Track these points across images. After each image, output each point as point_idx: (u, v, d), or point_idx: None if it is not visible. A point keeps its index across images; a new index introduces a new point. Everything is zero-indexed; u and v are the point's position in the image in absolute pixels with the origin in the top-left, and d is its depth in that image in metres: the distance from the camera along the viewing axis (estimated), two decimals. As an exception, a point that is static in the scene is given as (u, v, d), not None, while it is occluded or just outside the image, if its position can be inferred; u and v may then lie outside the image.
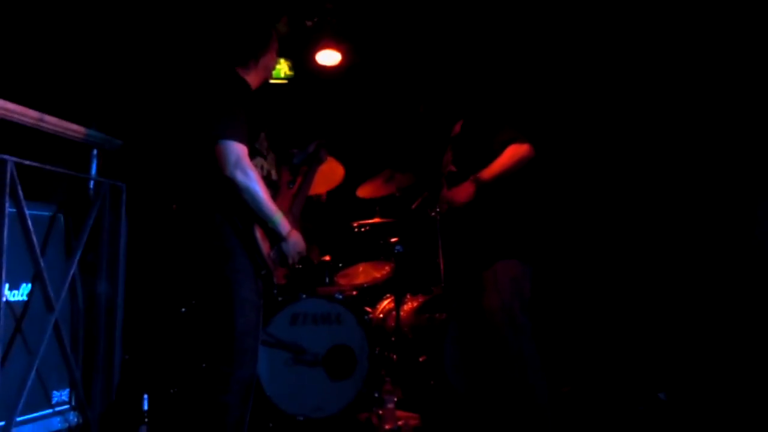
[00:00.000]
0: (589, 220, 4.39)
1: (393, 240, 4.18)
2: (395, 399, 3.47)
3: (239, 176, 2.30)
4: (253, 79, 2.64)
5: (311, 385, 3.49)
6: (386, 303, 4.36)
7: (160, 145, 3.54)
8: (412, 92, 4.85)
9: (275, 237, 2.46)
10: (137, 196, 3.36)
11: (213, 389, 2.35)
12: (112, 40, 3.62)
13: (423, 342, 3.89)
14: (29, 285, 2.81)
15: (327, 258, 4.23)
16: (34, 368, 2.71)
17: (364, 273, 4.54)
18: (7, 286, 2.64)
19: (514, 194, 3.07)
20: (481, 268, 3.03)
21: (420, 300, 4.13)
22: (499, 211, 3.04)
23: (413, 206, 4.25)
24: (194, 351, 3.20)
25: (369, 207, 4.59)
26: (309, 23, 4.57)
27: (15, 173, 2.62)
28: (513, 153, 2.98)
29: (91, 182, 3.15)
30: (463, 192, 3.00)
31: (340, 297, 3.75)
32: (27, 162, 2.70)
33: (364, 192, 4.42)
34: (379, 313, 4.31)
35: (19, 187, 2.65)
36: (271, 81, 4.80)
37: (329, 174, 3.98)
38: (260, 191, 2.34)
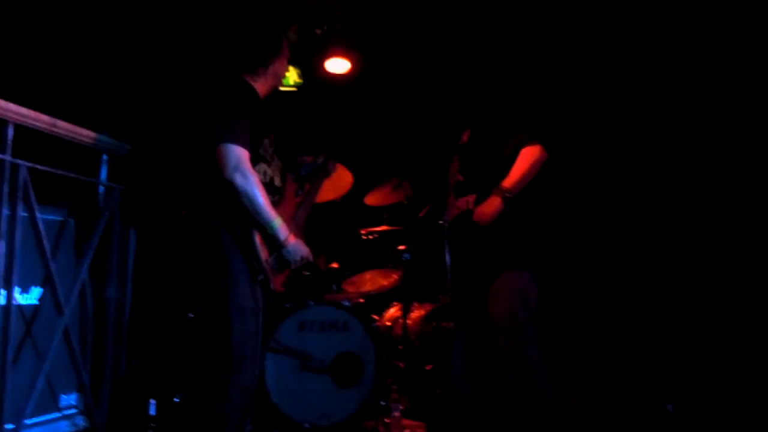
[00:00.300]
0: (595, 229, 4.38)
1: (401, 248, 4.19)
2: (402, 407, 3.46)
3: (238, 179, 2.29)
4: (261, 86, 2.64)
5: (318, 392, 3.49)
6: (393, 311, 4.36)
7: (163, 150, 3.54)
8: (420, 100, 4.88)
9: (274, 243, 2.44)
10: (142, 201, 3.37)
11: (211, 397, 2.34)
12: (122, 45, 3.64)
13: (430, 350, 3.88)
14: (40, 289, 2.83)
15: (335, 265, 4.24)
16: (44, 372, 2.72)
17: (372, 281, 4.54)
18: (18, 289, 2.66)
19: (520, 203, 3.06)
20: (488, 276, 3.02)
21: (427, 308, 4.12)
22: (506, 220, 3.03)
23: (421, 214, 4.25)
24: (197, 357, 3.20)
25: (377, 215, 4.59)
26: (318, 31, 4.58)
27: (28, 178, 2.64)
28: (529, 156, 2.96)
29: (101, 187, 3.17)
30: (491, 206, 2.94)
31: (348, 304, 3.75)
32: (40, 166, 2.72)
33: (372, 200, 4.42)
34: (386, 321, 4.30)
35: (32, 192, 2.67)
36: (281, 89, 4.86)
37: (337, 181, 3.98)
38: (259, 195, 2.33)
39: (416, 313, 4.15)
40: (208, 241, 2.40)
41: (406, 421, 3.50)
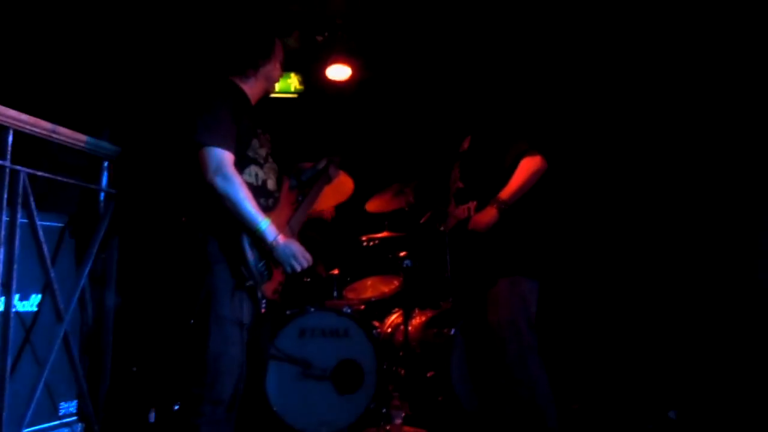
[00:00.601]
0: (596, 235, 4.37)
1: (401, 254, 4.17)
2: (403, 414, 3.45)
3: (219, 182, 2.26)
4: (252, 88, 2.62)
5: (319, 399, 3.48)
6: (394, 317, 4.35)
7: (151, 155, 3.51)
8: (421, 107, 4.89)
9: (263, 247, 2.37)
10: (131, 207, 3.34)
11: (185, 411, 2.32)
12: (120, 52, 3.64)
13: (431, 357, 3.86)
14: (39, 296, 2.82)
15: (335, 272, 4.23)
16: (43, 379, 2.71)
17: (373, 287, 4.53)
18: (17, 296, 2.65)
19: (520, 210, 3.06)
20: (488, 284, 3.02)
21: (428, 315, 4.11)
22: (506, 228, 3.03)
23: (422, 221, 4.25)
24: (178, 368, 3.18)
25: (378, 221, 4.59)
26: (319, 38, 4.60)
27: (28, 184, 2.64)
28: (528, 167, 2.97)
29: (102, 194, 3.17)
30: (486, 216, 2.97)
31: (349, 311, 3.74)
32: (40, 173, 2.72)
33: (373, 206, 4.42)
34: (387, 328, 4.29)
35: (32, 198, 2.67)
36: (282, 96, 4.87)
37: (338, 188, 3.98)
38: (242, 198, 2.28)
39: (417, 320, 4.14)
40: (192, 247, 2.36)
41: (407, 428, 3.48)
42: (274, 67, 2.68)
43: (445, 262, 3.91)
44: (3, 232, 2.51)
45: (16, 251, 2.57)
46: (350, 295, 4.41)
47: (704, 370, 3.71)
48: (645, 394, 3.88)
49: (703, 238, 3.79)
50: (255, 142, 2.53)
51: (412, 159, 4.88)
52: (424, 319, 4.10)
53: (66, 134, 2.88)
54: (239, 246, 2.33)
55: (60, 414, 2.92)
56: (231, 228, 2.33)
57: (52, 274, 2.80)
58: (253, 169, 2.49)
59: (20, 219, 2.61)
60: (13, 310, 2.58)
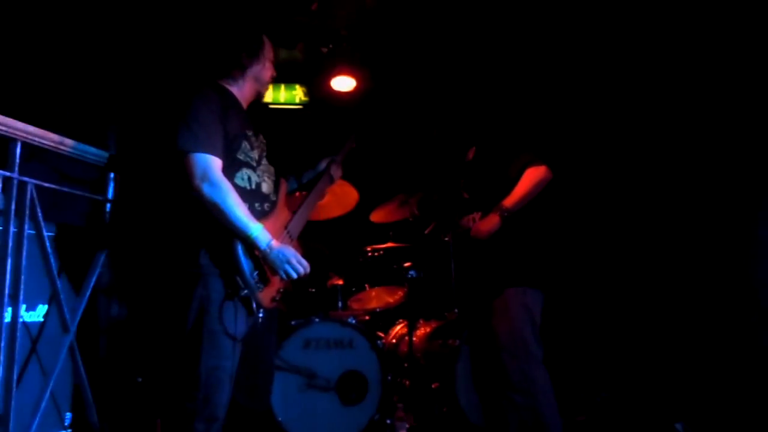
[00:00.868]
0: (601, 245, 4.36)
1: (406, 265, 4.18)
2: (407, 426, 3.45)
3: (205, 188, 2.20)
4: (242, 91, 2.56)
5: (323, 410, 3.48)
6: (399, 328, 4.35)
7: (142, 164, 3.49)
8: (425, 118, 4.90)
9: (256, 254, 2.29)
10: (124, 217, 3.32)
11: (176, 423, 2.25)
12: (117, 58, 3.63)
13: (436, 368, 3.86)
14: (45, 306, 2.83)
15: (340, 282, 4.24)
16: (49, 389, 2.72)
17: (377, 298, 4.54)
18: (24, 307, 2.66)
19: (525, 221, 3.06)
20: (493, 294, 3.02)
21: (433, 325, 4.11)
22: (511, 238, 3.03)
23: (426, 231, 4.26)
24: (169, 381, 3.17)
25: (382, 232, 4.60)
26: (324, 50, 4.63)
27: (35, 195, 2.66)
28: (532, 177, 2.98)
29: (108, 205, 3.19)
30: (488, 223, 2.98)
31: (353, 322, 3.74)
32: (47, 184, 2.74)
33: (377, 217, 4.43)
34: (392, 339, 4.29)
35: (39, 209, 2.69)
36: (287, 107, 4.90)
37: (343, 198, 4.01)
38: (231, 204, 2.21)
39: (422, 331, 4.14)
40: (184, 262, 2.29)
41: (411, 440, 3.48)
42: (263, 66, 2.61)
43: (450, 273, 3.92)
44: (10, 243, 2.52)
45: (24, 262, 2.58)
46: (355, 306, 4.42)
47: (711, 381, 3.70)
48: (651, 405, 3.86)
49: (705, 250, 3.78)
50: (246, 145, 2.43)
51: (416, 170, 4.90)
52: (429, 329, 4.10)
53: (73, 146, 2.90)
54: (233, 254, 2.25)
55: (66, 424, 2.93)
56: (223, 236, 2.26)
57: (59, 285, 2.82)
58: (245, 172, 2.40)
59: (27, 230, 2.63)
60: (20, 320, 2.60)
